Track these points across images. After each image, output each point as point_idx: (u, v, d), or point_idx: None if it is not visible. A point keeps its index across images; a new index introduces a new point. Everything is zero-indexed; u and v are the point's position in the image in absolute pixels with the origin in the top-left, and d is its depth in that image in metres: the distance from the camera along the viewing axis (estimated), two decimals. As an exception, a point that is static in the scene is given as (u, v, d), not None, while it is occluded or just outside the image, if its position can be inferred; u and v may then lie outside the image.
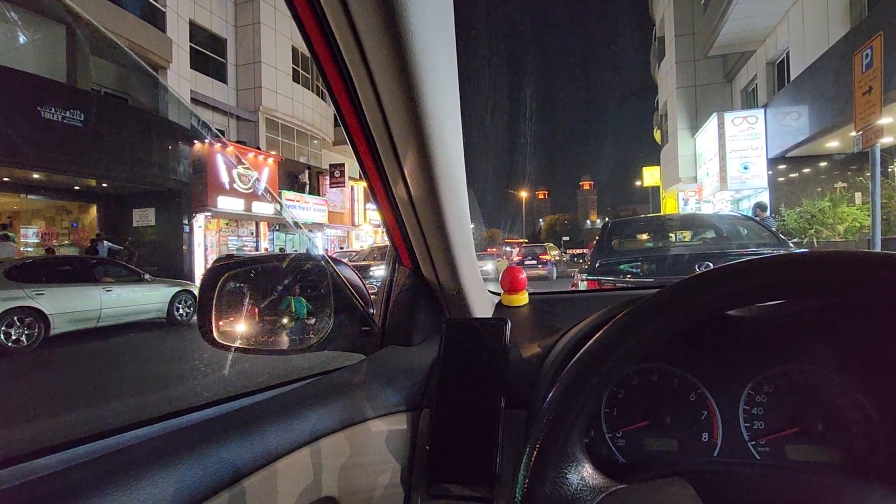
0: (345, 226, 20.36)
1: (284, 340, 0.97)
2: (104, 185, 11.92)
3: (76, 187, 11.94)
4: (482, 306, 0.91)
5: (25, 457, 0.46)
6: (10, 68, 9.05)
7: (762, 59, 14.77)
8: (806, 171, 12.65)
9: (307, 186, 18.09)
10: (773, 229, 4.30)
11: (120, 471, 0.43)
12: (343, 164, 19.47)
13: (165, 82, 14.30)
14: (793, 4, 12.40)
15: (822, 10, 11.38)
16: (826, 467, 0.60)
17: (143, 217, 13.01)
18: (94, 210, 12.71)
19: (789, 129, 11.97)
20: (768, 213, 7.61)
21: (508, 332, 0.76)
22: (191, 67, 15.87)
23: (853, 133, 6.35)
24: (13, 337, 5.94)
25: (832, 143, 11.31)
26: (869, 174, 6.12)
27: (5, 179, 10.34)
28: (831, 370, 0.62)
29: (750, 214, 7.36)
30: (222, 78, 17.72)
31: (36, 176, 10.54)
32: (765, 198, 12.28)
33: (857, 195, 11.18)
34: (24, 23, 9.71)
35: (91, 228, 12.43)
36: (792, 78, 12.41)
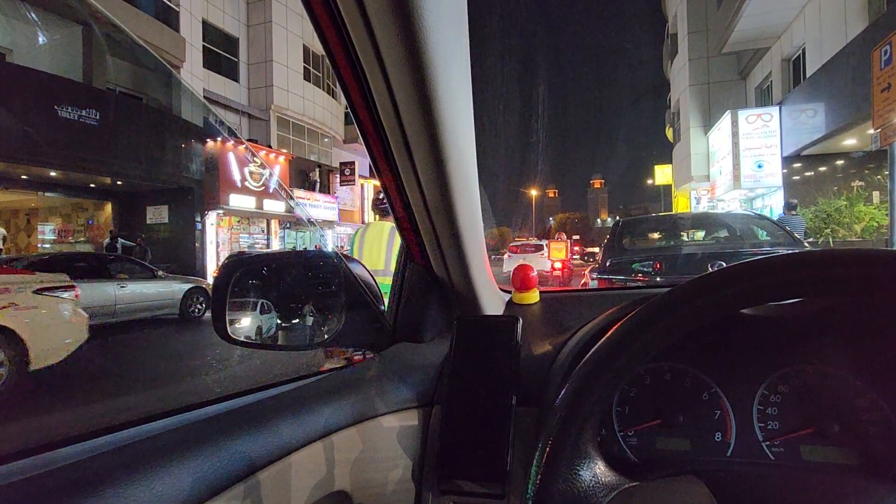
0: (355, 224, 20.46)
1: (296, 337, 0.98)
2: (119, 182, 12.10)
3: (92, 185, 12.13)
4: (493, 304, 0.91)
5: (49, 446, 0.47)
6: (30, 68, 9.24)
7: (777, 55, 14.51)
8: (822, 169, 12.41)
9: (318, 184, 18.17)
10: (801, 230, 4.20)
11: (140, 461, 0.44)
12: (353, 163, 19.53)
13: (182, 79, 14.43)
14: (809, 0, 12.18)
15: (840, 6, 11.15)
16: (842, 469, 0.59)
17: (157, 214, 13.18)
18: (108, 207, 12.90)
19: (805, 127, 11.75)
20: (795, 211, 7.48)
21: (519, 330, 0.76)
22: (203, 66, 16.00)
23: (871, 131, 6.25)
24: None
25: (849, 141, 11.09)
26: (887, 172, 6.01)
27: (24, 177, 10.54)
28: (848, 371, 0.61)
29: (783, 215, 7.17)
30: (234, 77, 17.84)
31: (53, 174, 10.74)
32: (780, 197, 12.10)
33: (875, 194, 10.95)
34: (44, 23, 9.89)
35: (106, 225, 12.63)
36: (808, 75, 12.18)
